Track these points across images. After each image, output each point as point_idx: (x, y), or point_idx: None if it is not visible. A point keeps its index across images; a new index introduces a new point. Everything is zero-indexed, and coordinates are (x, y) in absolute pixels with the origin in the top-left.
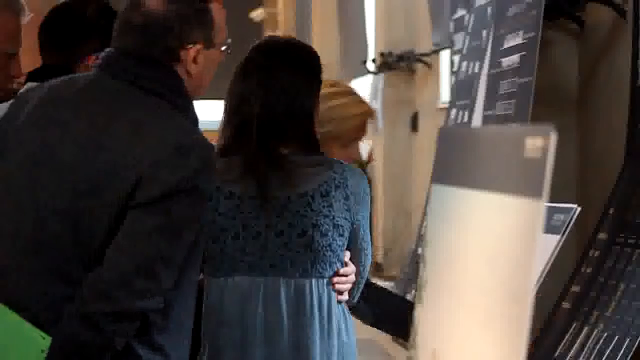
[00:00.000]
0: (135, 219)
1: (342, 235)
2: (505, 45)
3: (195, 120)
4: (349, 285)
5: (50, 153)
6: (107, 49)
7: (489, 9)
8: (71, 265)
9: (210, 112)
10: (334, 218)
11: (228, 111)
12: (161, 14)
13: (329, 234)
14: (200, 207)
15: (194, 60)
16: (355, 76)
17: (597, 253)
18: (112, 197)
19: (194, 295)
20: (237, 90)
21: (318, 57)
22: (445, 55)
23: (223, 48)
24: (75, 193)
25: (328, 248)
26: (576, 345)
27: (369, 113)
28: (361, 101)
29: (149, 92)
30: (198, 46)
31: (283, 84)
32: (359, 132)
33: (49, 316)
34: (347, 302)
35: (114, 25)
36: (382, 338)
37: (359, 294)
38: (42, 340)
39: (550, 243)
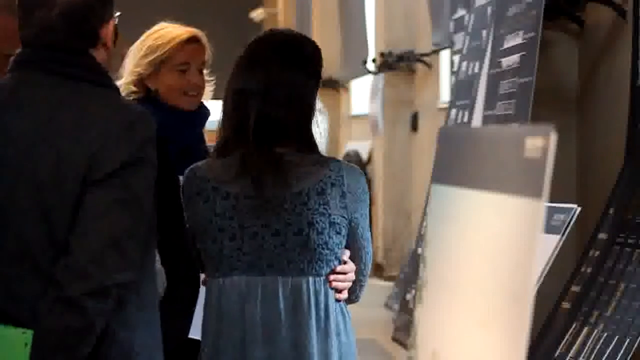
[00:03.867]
0: (94, 197)
1: (339, 233)
2: (505, 45)
3: (119, 91)
4: (347, 284)
5: None
6: (23, 50)
7: (489, 9)
8: (45, 261)
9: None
10: (330, 216)
11: (227, 109)
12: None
13: (325, 232)
14: (152, 177)
15: (111, 33)
16: (355, 76)
17: (597, 253)
18: (71, 185)
19: (155, 271)
20: (237, 86)
21: (319, 51)
22: (445, 55)
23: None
24: (37, 192)
25: (324, 246)
26: (576, 345)
27: (191, 33)
28: (182, 27)
29: (81, 80)
30: (114, 19)
31: (284, 80)
32: (186, 53)
33: (29, 315)
34: (347, 301)
35: (27, 22)
36: (382, 338)
37: (362, 293)
38: (24, 335)
39: (550, 243)
